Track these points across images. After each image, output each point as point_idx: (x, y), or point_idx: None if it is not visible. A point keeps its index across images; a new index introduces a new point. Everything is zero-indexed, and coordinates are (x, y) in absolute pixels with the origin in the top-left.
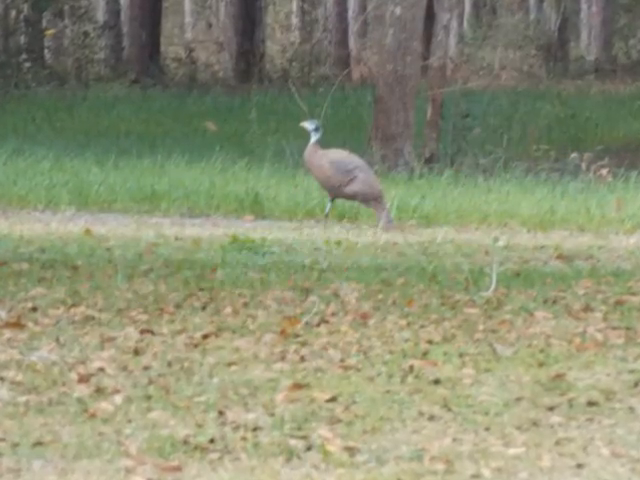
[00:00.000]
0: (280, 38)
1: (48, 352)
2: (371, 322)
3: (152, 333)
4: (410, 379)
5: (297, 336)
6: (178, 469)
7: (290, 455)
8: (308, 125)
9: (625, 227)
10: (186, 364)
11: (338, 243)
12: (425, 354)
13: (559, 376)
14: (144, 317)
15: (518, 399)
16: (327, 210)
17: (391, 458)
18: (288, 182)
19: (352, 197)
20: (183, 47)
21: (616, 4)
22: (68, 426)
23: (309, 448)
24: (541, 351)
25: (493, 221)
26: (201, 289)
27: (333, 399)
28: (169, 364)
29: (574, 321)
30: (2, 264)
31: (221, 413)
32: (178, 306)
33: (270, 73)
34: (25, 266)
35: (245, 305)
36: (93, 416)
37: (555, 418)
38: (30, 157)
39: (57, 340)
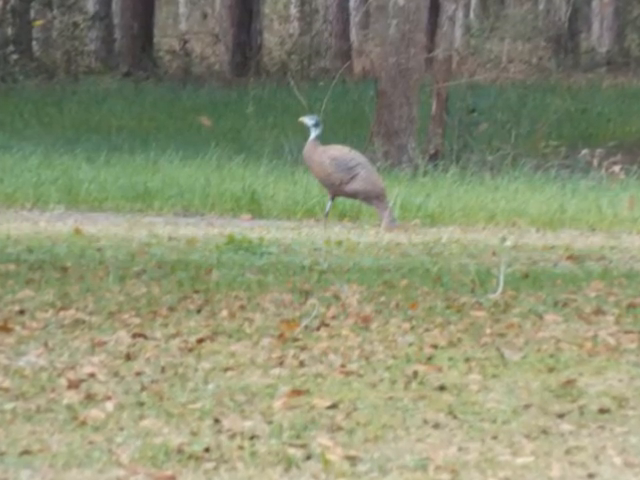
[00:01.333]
0: (278, 29)
1: (36, 357)
2: (373, 326)
3: (145, 337)
4: (414, 385)
5: (296, 340)
6: (172, 479)
7: (289, 464)
8: (308, 120)
9: (638, 226)
10: (180, 369)
11: (339, 243)
12: (430, 359)
13: (569, 382)
14: (136, 320)
15: (527, 406)
16: (327, 209)
17: (394, 468)
18: (287, 180)
19: (353, 195)
20: (177, 39)
21: None
22: (57, 434)
23: (308, 457)
24: (551, 356)
25: (500, 220)
26: (196, 291)
27: (334, 406)
28: (162, 369)
29: (585, 325)
30: None
31: (217, 421)
32: (172, 309)
33: (268, 66)
34: (12, 267)
35: (242, 308)
36: (83, 424)
37: (565, 426)
38: (17, 153)
39: (46, 344)
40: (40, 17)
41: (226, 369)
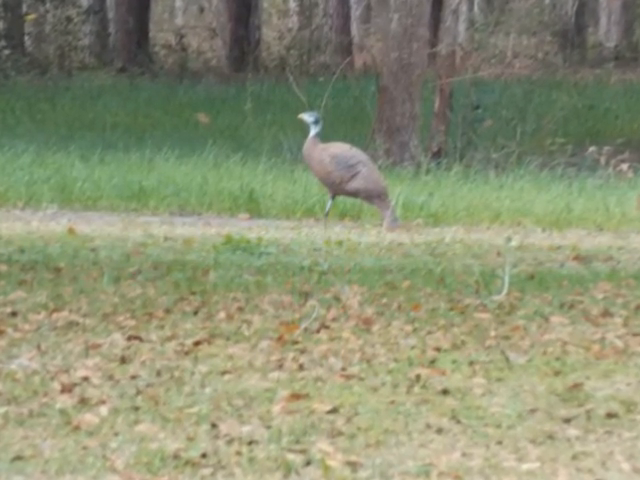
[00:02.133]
0: (277, 24)
1: (29, 360)
2: (375, 328)
3: (140, 340)
4: (416, 389)
5: (295, 343)
6: None
7: (288, 470)
8: (307, 117)
9: None
10: (176, 373)
11: (339, 243)
12: (433, 362)
13: (576, 386)
14: (131, 322)
15: (532, 410)
16: (327, 208)
17: (396, 474)
18: (286, 178)
19: (354, 194)
20: (173, 33)
21: None
22: (50, 439)
23: (308, 463)
24: (557, 359)
25: (505, 220)
26: (193, 292)
27: (334, 410)
28: (158, 373)
29: (592, 327)
30: None
31: (214, 425)
32: (168, 311)
33: (266, 61)
34: (4, 268)
35: (240, 310)
36: (77, 429)
37: (572, 431)
38: (9, 151)
39: (38, 347)
40: (32, 11)
41: (223, 372)
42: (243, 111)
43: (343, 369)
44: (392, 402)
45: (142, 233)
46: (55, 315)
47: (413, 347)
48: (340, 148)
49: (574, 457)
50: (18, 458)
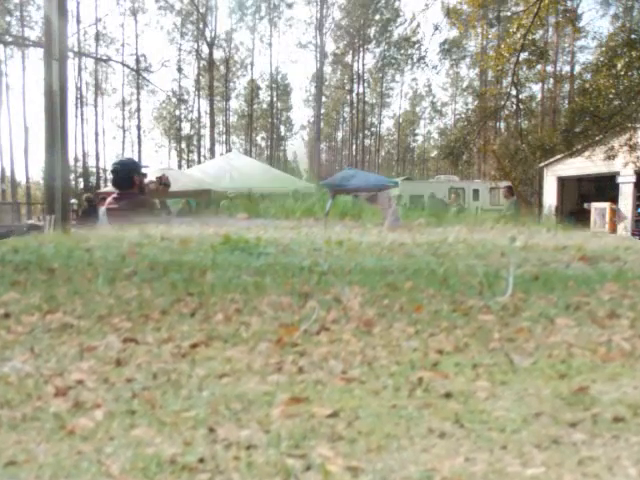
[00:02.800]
0: None
1: (22, 363)
2: (376, 330)
3: (136, 342)
4: (419, 392)
5: (295, 345)
6: None
7: (287, 476)
8: None
9: None
10: (173, 376)
11: (340, 243)
12: (435, 365)
13: (582, 389)
14: (127, 324)
15: (537, 414)
16: (328, 207)
17: (398, 479)
18: None
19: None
20: None
21: None
22: (44, 444)
23: (308, 468)
24: (562, 362)
25: (509, 219)
26: (190, 294)
27: (334, 414)
28: (154, 376)
29: (598, 329)
30: None
31: (211, 430)
32: (164, 312)
33: None
34: None
35: (238, 311)
36: (71, 433)
37: (578, 435)
38: None
39: (32, 350)
40: None
41: (221, 375)
42: None
43: (343, 372)
44: (394, 406)
45: (138, 232)
46: (49, 317)
47: (415, 349)
48: None
49: (580, 462)
50: (11, 463)
